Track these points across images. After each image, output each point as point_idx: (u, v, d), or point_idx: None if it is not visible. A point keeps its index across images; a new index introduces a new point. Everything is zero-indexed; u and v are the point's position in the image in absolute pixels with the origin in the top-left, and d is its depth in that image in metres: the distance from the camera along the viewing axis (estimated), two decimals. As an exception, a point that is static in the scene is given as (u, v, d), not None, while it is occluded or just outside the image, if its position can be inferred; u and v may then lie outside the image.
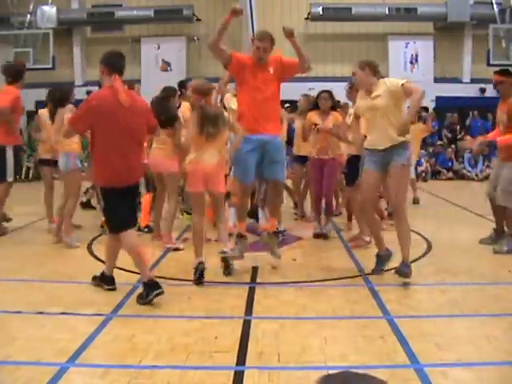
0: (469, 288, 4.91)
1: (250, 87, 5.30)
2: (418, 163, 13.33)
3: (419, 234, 6.91)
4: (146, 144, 5.77)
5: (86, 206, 9.00)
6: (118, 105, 4.33)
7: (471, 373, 3.24)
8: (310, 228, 7.16)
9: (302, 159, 7.80)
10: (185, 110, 6.40)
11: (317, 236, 6.83)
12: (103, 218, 5.42)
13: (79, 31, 17.45)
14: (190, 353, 3.44)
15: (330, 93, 6.85)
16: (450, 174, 14.79)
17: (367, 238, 6.32)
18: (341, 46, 16.96)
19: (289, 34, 5.49)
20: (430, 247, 6.37)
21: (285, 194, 6.91)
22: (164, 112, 5.86)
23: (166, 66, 17.12)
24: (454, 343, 3.61)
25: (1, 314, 4.19)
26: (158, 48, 17.07)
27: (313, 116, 6.85)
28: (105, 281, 4.77)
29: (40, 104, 9.83)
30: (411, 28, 16.96)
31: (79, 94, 17.10)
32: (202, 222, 5.14)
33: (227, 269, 5.24)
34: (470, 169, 14.75)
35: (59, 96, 6.62)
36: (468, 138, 7.10)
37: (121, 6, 17.17)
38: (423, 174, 14.38)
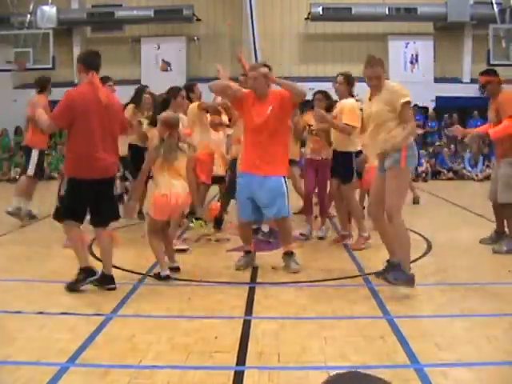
0: (469, 288, 4.90)
1: (249, 127, 5.30)
2: (418, 163, 13.32)
3: (419, 234, 6.91)
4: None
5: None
6: (97, 102, 4.52)
7: (471, 373, 3.24)
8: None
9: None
10: (190, 111, 6.51)
11: (302, 235, 6.75)
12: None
13: (79, 31, 17.46)
14: (190, 353, 3.44)
15: (324, 93, 6.81)
16: (450, 174, 14.78)
17: (365, 234, 6.31)
18: (341, 46, 16.97)
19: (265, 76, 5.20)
20: (429, 247, 6.37)
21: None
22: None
23: (166, 66, 17.12)
24: (454, 343, 3.61)
25: (1, 314, 4.19)
26: (158, 48, 17.07)
27: (307, 117, 6.85)
28: (86, 275, 4.73)
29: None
30: (411, 28, 16.97)
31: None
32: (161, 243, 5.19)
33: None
34: (470, 169, 14.75)
35: None
36: (456, 126, 6.99)
37: (121, 6, 17.17)
38: (423, 174, 14.38)
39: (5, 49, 15.81)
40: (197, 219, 7.07)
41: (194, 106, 6.75)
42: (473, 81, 16.53)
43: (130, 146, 7.45)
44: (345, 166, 6.29)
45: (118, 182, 6.41)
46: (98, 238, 4.90)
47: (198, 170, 6.68)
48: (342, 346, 3.55)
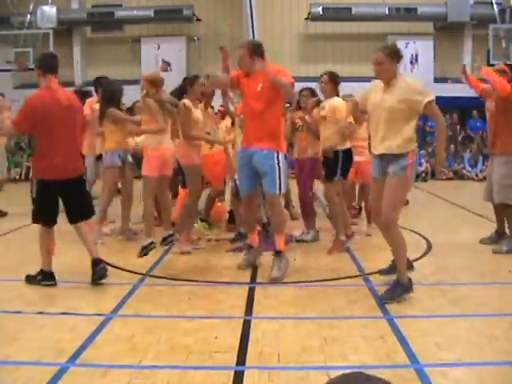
0: (469, 288, 4.91)
1: (245, 104, 5.37)
2: (418, 163, 13.32)
3: (419, 234, 6.91)
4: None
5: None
6: (57, 104, 4.68)
7: (471, 373, 3.24)
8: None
9: None
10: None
11: (297, 241, 6.62)
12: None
13: (79, 31, 17.45)
14: (190, 353, 3.44)
15: (311, 90, 6.73)
16: (450, 174, 14.78)
17: (343, 238, 6.18)
18: (341, 46, 16.97)
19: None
20: (429, 247, 6.36)
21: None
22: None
23: (166, 65, 17.11)
24: (454, 343, 3.61)
25: (1, 314, 4.19)
26: (158, 48, 17.07)
27: (297, 115, 6.79)
28: (44, 277, 4.88)
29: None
30: (411, 28, 16.96)
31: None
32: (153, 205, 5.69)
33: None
34: (469, 169, 14.75)
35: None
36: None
37: (121, 6, 17.16)
38: (423, 174, 14.38)
39: (5, 49, 15.80)
40: (202, 221, 7.07)
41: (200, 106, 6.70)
42: (473, 81, 16.54)
43: None
44: (328, 164, 6.12)
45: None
46: (77, 231, 5.02)
47: (209, 174, 6.62)
48: (342, 346, 3.55)
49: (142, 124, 5.88)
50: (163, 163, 5.64)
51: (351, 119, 5.80)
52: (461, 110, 16.14)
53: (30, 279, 4.93)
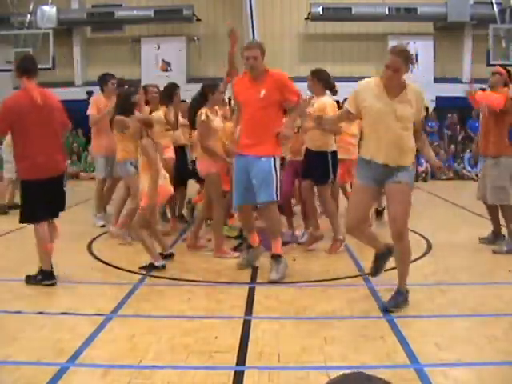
0: (468, 288, 4.91)
1: (243, 103, 5.25)
2: (419, 163, 13.32)
3: (419, 234, 6.91)
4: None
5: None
6: (33, 105, 4.73)
7: (471, 373, 3.24)
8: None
9: None
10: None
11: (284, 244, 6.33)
12: None
13: (79, 31, 17.44)
14: (190, 353, 3.44)
15: None
16: (450, 174, 14.78)
17: (341, 237, 6.13)
18: (341, 46, 16.97)
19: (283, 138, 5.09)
20: (429, 247, 6.36)
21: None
22: (189, 113, 6.13)
23: (166, 66, 17.11)
24: (453, 343, 3.61)
25: (1, 314, 4.19)
26: (158, 48, 17.06)
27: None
28: (44, 277, 4.89)
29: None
30: (411, 28, 16.96)
31: (79, 94, 17.27)
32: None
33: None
34: (469, 169, 14.74)
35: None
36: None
37: (121, 6, 17.15)
38: (423, 175, 14.37)
39: (5, 49, 15.78)
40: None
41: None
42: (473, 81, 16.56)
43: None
44: (319, 166, 5.99)
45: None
46: (50, 229, 5.03)
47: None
48: (342, 346, 3.55)
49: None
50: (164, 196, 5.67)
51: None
52: (461, 110, 16.11)
53: (30, 279, 4.93)
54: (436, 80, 16.44)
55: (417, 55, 16.88)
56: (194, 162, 6.91)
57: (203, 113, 5.75)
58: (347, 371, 1.34)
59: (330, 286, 4.92)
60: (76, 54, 17.38)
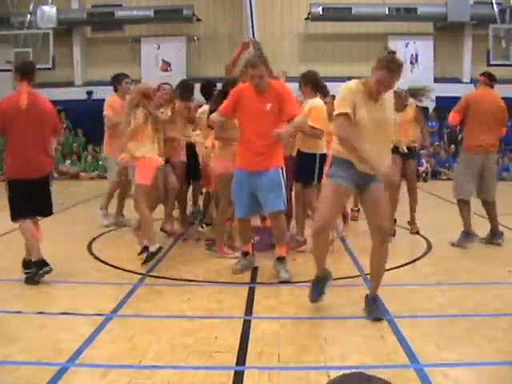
0: (469, 288, 4.91)
1: (245, 118, 5.09)
2: (419, 163, 13.31)
3: (419, 234, 6.91)
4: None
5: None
6: (16, 107, 4.94)
7: (471, 373, 3.24)
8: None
9: None
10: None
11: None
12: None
13: (79, 31, 17.45)
14: (190, 353, 3.44)
15: None
16: (450, 174, 14.76)
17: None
18: (341, 46, 16.97)
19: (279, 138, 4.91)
20: (429, 247, 6.36)
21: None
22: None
23: (166, 66, 17.12)
24: (453, 343, 3.61)
25: (1, 314, 4.19)
26: (158, 48, 17.07)
27: None
28: (39, 266, 4.98)
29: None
30: (411, 28, 16.96)
31: (79, 94, 17.26)
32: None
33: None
34: (469, 169, 14.74)
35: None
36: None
37: (121, 6, 17.16)
38: (423, 174, 14.38)
39: (5, 49, 15.78)
40: (207, 225, 7.03)
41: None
42: (473, 81, 16.57)
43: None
44: (305, 167, 5.94)
45: None
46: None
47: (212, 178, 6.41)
48: (341, 346, 3.55)
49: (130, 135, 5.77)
50: (150, 171, 5.57)
51: (320, 125, 5.73)
52: (461, 110, 16.13)
53: (29, 279, 4.94)
54: (436, 80, 16.43)
55: (417, 55, 16.91)
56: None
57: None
58: (347, 371, 1.34)
59: (330, 286, 4.91)
60: (76, 54, 17.39)
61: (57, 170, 11.09)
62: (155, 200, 6.37)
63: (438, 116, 15.91)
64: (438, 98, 16.31)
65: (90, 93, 17.13)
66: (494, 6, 15.55)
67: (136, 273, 5.29)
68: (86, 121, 15.07)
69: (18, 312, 4.18)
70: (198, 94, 7.08)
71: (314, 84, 5.98)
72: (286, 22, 16.96)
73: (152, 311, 4.26)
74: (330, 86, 6.90)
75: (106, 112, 7.54)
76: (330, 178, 4.14)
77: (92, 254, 6.12)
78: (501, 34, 15.54)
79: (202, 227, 7.08)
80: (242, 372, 3.18)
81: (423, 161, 14.39)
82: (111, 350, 3.50)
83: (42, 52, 15.99)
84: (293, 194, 6.26)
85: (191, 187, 7.38)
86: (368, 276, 5.13)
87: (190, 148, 7.02)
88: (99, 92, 16.94)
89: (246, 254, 5.41)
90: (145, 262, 5.41)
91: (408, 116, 6.83)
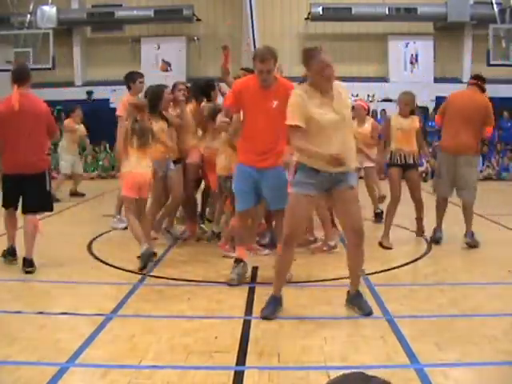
0: (469, 288, 4.91)
1: (249, 114, 4.88)
2: (419, 164, 13.31)
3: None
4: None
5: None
6: (10, 109, 5.31)
7: (471, 373, 3.24)
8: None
9: None
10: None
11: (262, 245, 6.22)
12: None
13: (79, 31, 17.44)
14: (190, 353, 3.44)
15: None
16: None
17: (332, 243, 6.10)
18: (341, 46, 16.95)
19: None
20: (430, 247, 6.36)
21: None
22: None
23: (166, 66, 17.11)
24: (453, 343, 3.61)
25: (1, 314, 4.19)
26: (158, 48, 17.07)
27: None
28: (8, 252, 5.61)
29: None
30: (411, 28, 16.96)
31: (79, 94, 17.24)
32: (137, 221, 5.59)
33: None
34: (469, 169, 14.75)
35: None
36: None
37: (121, 6, 17.15)
38: (423, 175, 14.37)
39: (5, 49, 15.77)
40: (209, 221, 7.03)
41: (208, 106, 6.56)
42: (473, 81, 16.57)
43: None
44: None
45: None
46: (24, 223, 5.52)
47: (212, 177, 6.41)
48: (341, 346, 3.56)
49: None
50: (134, 186, 5.55)
51: None
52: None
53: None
54: (436, 80, 16.46)
55: (417, 55, 16.90)
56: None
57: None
58: (347, 371, 1.33)
59: (330, 286, 4.92)
60: (76, 54, 17.38)
61: (57, 170, 11.10)
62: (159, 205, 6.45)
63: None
64: (437, 97, 16.33)
65: (90, 93, 17.13)
66: (494, 5, 15.54)
67: (136, 273, 5.29)
68: (86, 121, 15.06)
69: (18, 312, 4.18)
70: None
71: None
72: (286, 22, 16.96)
73: (152, 311, 4.26)
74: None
75: (120, 112, 7.19)
76: (295, 187, 4.09)
77: (92, 254, 6.12)
78: (501, 34, 15.54)
79: (203, 223, 7.08)
80: (242, 372, 3.18)
81: (423, 161, 14.38)
82: (111, 350, 3.50)
83: (42, 52, 15.98)
84: None
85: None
86: (368, 276, 5.15)
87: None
88: (99, 92, 16.97)
89: (239, 261, 5.09)
90: (141, 269, 5.34)
91: (414, 125, 6.48)
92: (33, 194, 5.45)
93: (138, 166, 5.53)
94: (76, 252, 6.21)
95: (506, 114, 15.63)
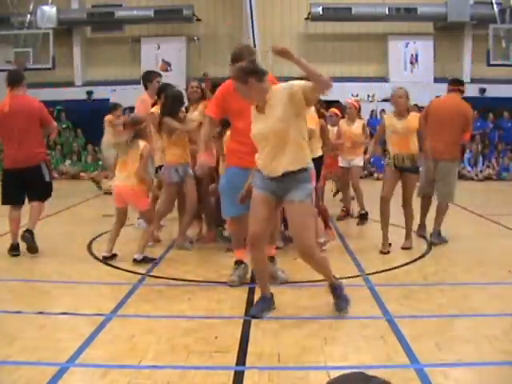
0: (469, 288, 4.91)
1: (237, 117, 4.77)
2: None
3: (420, 235, 6.90)
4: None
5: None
6: (1, 112, 5.90)
7: (471, 373, 3.24)
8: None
9: None
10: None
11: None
12: None
13: (79, 31, 17.45)
14: (190, 353, 3.44)
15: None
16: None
17: (321, 240, 6.07)
18: (341, 46, 16.97)
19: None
20: (430, 247, 6.36)
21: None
22: None
23: (166, 66, 17.10)
24: (453, 343, 3.61)
25: (1, 314, 4.19)
26: (158, 48, 17.07)
27: None
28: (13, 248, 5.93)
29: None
30: (411, 28, 16.96)
31: (79, 94, 17.25)
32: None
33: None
34: (469, 168, 14.75)
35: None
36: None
37: (121, 6, 17.16)
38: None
39: (5, 49, 15.78)
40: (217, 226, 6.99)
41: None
42: (473, 81, 16.59)
43: None
44: None
45: None
46: (30, 207, 6.06)
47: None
48: (342, 346, 3.56)
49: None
50: (115, 197, 5.76)
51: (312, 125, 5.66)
52: (461, 110, 16.14)
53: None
54: (436, 80, 16.45)
55: (417, 55, 16.90)
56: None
57: None
58: (347, 371, 1.34)
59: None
60: (76, 53, 17.38)
61: (57, 170, 11.10)
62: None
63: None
64: (437, 98, 16.35)
65: (90, 93, 17.14)
66: (494, 5, 15.55)
67: (136, 273, 5.29)
68: (86, 121, 15.07)
69: (18, 312, 4.18)
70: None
71: None
72: (286, 22, 16.96)
73: (152, 311, 4.26)
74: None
75: (139, 110, 6.97)
76: (254, 188, 4.14)
77: (92, 254, 6.12)
78: (501, 34, 15.54)
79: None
80: (242, 372, 3.18)
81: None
82: (111, 350, 3.50)
83: (42, 52, 15.99)
84: None
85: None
86: (368, 276, 5.15)
87: None
88: (99, 92, 16.98)
89: (240, 262, 5.06)
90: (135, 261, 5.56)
91: (411, 125, 6.03)
92: (32, 185, 5.99)
93: (125, 181, 5.60)
94: (76, 252, 6.20)
95: (506, 114, 15.63)
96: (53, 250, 6.35)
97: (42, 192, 6.08)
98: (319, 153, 5.98)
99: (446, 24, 16.29)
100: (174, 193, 6.25)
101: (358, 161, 7.86)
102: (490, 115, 15.67)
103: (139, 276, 5.20)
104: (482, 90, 16.36)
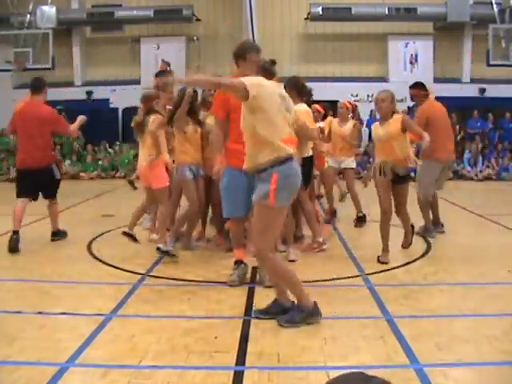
0: (469, 288, 4.91)
1: (238, 116, 4.50)
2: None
3: (419, 235, 6.90)
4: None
5: None
6: (15, 116, 6.53)
7: (471, 373, 3.24)
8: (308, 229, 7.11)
9: None
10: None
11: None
12: None
13: (79, 31, 17.46)
14: (190, 353, 3.44)
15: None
16: (450, 174, 14.78)
17: (321, 239, 6.12)
18: (341, 46, 16.98)
19: None
20: (429, 247, 6.36)
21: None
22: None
23: (166, 65, 17.09)
24: (453, 343, 3.61)
25: (1, 314, 4.19)
26: (158, 48, 17.06)
27: None
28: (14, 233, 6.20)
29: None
30: (411, 28, 16.97)
31: (79, 94, 17.24)
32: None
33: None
34: (469, 169, 14.75)
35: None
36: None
37: (121, 6, 17.17)
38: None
39: (5, 49, 15.79)
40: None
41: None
42: (472, 81, 16.61)
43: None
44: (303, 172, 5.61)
45: None
46: (48, 205, 6.70)
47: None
48: (341, 346, 3.55)
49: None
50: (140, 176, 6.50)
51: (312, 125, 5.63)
52: (461, 110, 16.15)
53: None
54: (436, 80, 16.45)
55: (416, 55, 16.91)
56: None
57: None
58: (347, 371, 1.34)
59: (330, 286, 4.92)
60: (76, 53, 17.40)
61: (61, 170, 11.14)
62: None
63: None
64: (437, 98, 16.29)
65: (89, 93, 17.14)
66: (494, 6, 15.55)
67: (136, 273, 5.29)
68: (86, 121, 15.05)
69: (18, 312, 4.18)
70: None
71: (298, 90, 5.75)
72: (285, 22, 16.98)
73: (152, 311, 4.26)
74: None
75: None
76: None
77: (92, 254, 6.12)
78: (501, 34, 15.54)
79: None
80: (242, 372, 3.18)
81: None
82: (111, 350, 3.50)
83: (42, 52, 15.99)
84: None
85: None
86: (368, 276, 5.15)
87: None
88: (99, 92, 16.98)
89: (239, 262, 5.05)
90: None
91: (392, 129, 5.49)
92: (43, 184, 6.49)
93: (140, 159, 6.21)
94: (76, 252, 6.20)
95: (508, 114, 15.61)
96: (53, 250, 6.35)
97: (52, 189, 6.65)
98: (309, 153, 5.97)
99: (445, 24, 16.31)
100: (193, 189, 6.01)
101: (350, 162, 7.80)
102: (490, 115, 15.69)
103: (139, 276, 5.19)
104: (482, 90, 16.37)
